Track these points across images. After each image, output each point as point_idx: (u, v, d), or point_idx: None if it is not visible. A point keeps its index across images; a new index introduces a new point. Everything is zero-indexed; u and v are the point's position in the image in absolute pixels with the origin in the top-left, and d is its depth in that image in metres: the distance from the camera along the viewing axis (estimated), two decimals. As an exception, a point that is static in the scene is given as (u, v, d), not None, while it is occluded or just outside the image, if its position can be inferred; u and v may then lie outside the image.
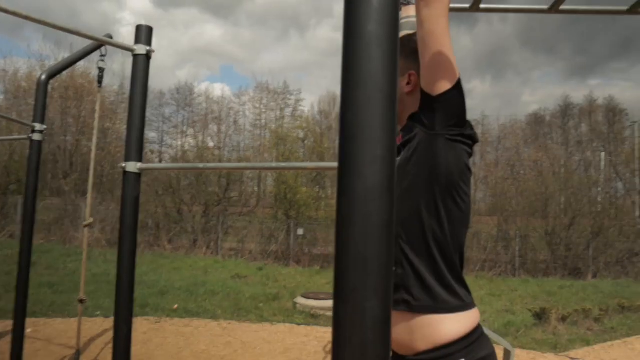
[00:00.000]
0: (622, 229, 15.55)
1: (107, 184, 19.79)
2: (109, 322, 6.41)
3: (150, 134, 35.99)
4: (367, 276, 0.76)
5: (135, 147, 2.65)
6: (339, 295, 0.77)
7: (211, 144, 22.07)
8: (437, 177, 1.38)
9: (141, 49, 2.72)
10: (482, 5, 2.15)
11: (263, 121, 34.75)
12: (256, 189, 21.58)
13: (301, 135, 19.86)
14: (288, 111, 34.78)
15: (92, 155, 4.87)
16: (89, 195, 4.73)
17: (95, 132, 5.07)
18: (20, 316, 3.93)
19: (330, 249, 14.96)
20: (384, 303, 0.76)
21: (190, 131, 30.44)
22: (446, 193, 1.39)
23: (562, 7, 2.18)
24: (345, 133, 0.80)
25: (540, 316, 7.04)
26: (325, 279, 11.49)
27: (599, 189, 22.01)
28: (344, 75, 0.81)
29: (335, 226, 0.80)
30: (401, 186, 1.42)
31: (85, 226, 4.57)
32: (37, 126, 4.24)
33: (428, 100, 1.37)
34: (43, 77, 4.49)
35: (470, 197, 1.46)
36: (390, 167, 0.78)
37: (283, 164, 2.66)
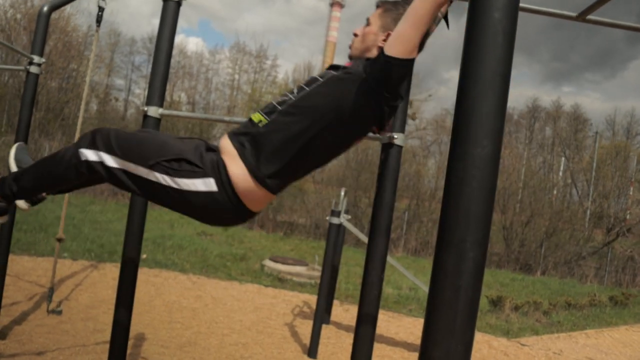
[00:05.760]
0: (573, 233, 16.28)
1: (72, 126, 19.31)
2: (78, 265, 6.42)
3: (117, 81, 35.04)
4: (473, 230, 0.88)
5: (158, 92, 2.68)
6: (445, 244, 0.90)
7: (184, 98, 21.65)
8: (341, 103, 1.63)
9: (173, -4, 2.73)
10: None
11: (235, 82, 34.34)
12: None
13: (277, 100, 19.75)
14: (262, 75, 34.41)
15: (84, 95, 4.82)
16: (77, 136, 4.69)
17: (89, 71, 5.01)
18: (3, 251, 3.89)
19: (295, 217, 15.15)
20: (483, 254, 0.90)
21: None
22: (333, 121, 1.65)
23: (589, 17, 2.32)
24: (464, 107, 0.91)
25: (496, 303, 7.41)
26: (289, 245, 11.68)
27: (555, 191, 22.82)
28: (467, 55, 0.92)
29: (446, 185, 0.92)
30: (318, 88, 1.68)
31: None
32: (36, 58, 4.14)
33: (381, 55, 1.60)
34: (45, 8, 4.38)
35: (350, 141, 1.75)
36: (499, 140, 0.91)
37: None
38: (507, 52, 0.92)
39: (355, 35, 1.82)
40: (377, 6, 1.82)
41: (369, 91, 1.61)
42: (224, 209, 1.65)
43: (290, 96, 1.70)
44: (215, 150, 1.69)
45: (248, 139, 1.66)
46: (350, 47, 1.84)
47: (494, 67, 0.91)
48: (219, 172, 1.63)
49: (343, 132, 1.68)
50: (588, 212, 20.02)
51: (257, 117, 1.71)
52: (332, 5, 57.99)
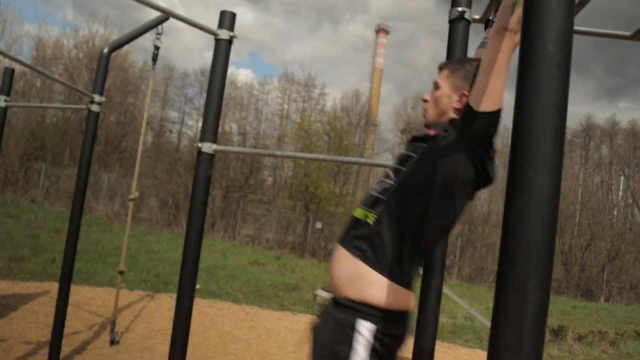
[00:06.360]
0: (638, 255, 15.47)
1: (130, 159, 20.07)
2: (135, 295, 6.58)
3: (171, 114, 36.22)
4: (535, 270, 0.85)
5: (211, 128, 2.75)
6: (505, 285, 0.87)
7: (234, 129, 22.16)
8: (447, 181, 1.56)
9: (224, 34, 2.82)
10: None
11: (285, 111, 34.94)
12: (277, 178, 21.75)
13: (325, 128, 19.96)
14: (310, 104, 34.91)
15: (143, 130, 5.01)
16: (136, 170, 4.85)
17: (146, 107, 5.20)
18: (66, 281, 4.03)
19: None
20: (546, 296, 0.86)
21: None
22: (447, 198, 1.57)
23: (647, 34, 2.23)
24: (520, 141, 0.89)
25: (557, 333, 7.09)
26: (341, 275, 11.60)
27: (615, 212, 21.79)
28: (521, 89, 0.90)
29: (504, 223, 0.89)
30: (415, 168, 1.61)
31: (131, 200, 4.70)
32: (96, 97, 4.34)
33: (470, 114, 1.55)
34: (105, 50, 4.59)
35: (463, 207, 1.64)
36: (558, 175, 0.88)
37: (371, 161, 2.71)
38: (562, 84, 0.89)
39: (425, 100, 1.79)
40: (441, 68, 1.79)
41: (468, 152, 1.56)
42: (396, 333, 1.54)
43: (390, 182, 1.63)
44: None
45: (365, 242, 1.56)
46: (424, 115, 1.80)
47: (549, 100, 0.88)
48: (357, 309, 1.50)
49: (455, 199, 1.59)
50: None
51: (361, 213, 1.63)
52: (377, 32, 58.48)
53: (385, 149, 39.74)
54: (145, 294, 6.65)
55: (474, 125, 1.54)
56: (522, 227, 0.86)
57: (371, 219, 1.58)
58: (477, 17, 2.24)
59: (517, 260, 0.86)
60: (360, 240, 1.57)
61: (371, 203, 1.62)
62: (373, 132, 38.17)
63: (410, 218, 1.55)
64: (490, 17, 2.13)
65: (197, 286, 7.50)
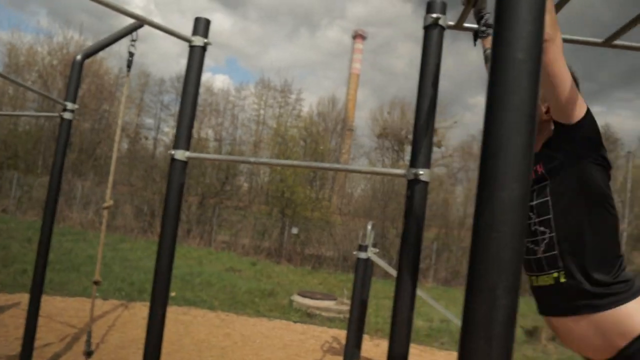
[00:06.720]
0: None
1: (105, 166, 19.75)
2: (109, 304, 6.46)
3: (147, 120, 35.76)
4: (505, 277, 0.86)
5: (185, 135, 2.71)
6: (475, 292, 0.87)
7: (211, 135, 22.02)
8: (591, 194, 1.55)
9: (199, 41, 2.79)
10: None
11: (261, 117, 34.83)
12: (253, 184, 21.65)
13: (301, 134, 19.96)
14: (287, 109, 34.88)
15: (117, 137, 4.93)
16: (111, 177, 4.78)
17: (121, 114, 5.14)
18: (36, 292, 3.93)
19: (323, 250, 15.07)
20: (515, 301, 0.87)
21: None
22: (600, 206, 1.56)
23: (616, 42, 2.29)
24: (490, 150, 0.90)
25: (532, 333, 7.19)
26: (317, 279, 11.58)
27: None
28: (491, 97, 0.91)
29: (474, 231, 0.90)
30: (558, 207, 1.59)
31: (105, 208, 4.62)
32: (69, 105, 4.26)
33: (566, 130, 1.56)
34: (78, 57, 4.51)
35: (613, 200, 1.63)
36: (527, 183, 0.89)
37: (345, 166, 2.72)
38: (532, 93, 0.91)
39: None
40: None
41: (593, 162, 1.55)
42: None
43: (545, 235, 1.61)
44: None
45: (580, 298, 1.54)
46: None
47: (519, 109, 0.89)
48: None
49: (610, 203, 1.58)
50: (624, 234, 19.42)
51: (545, 279, 1.62)
52: (354, 37, 58.82)
53: (362, 154, 39.72)
54: (119, 303, 6.54)
55: (578, 138, 1.54)
56: (492, 233, 0.87)
57: (562, 277, 1.56)
58: (451, 23, 2.27)
59: (487, 266, 0.86)
60: (575, 301, 1.55)
61: (547, 265, 1.60)
62: (349, 137, 38.28)
63: (591, 251, 1.53)
64: (480, 28, 2.13)
65: (172, 294, 7.41)
